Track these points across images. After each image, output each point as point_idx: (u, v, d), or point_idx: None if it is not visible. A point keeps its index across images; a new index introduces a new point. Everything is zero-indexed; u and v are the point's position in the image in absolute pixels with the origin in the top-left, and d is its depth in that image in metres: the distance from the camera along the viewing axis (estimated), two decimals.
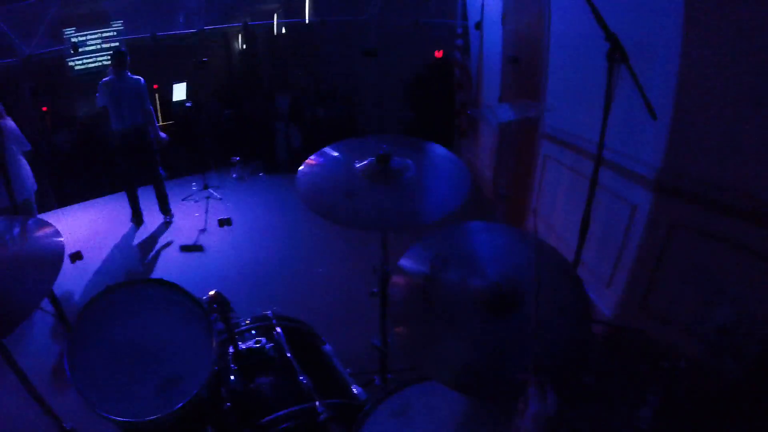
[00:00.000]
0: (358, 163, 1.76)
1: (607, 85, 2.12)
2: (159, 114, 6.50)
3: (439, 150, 1.92)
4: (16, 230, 1.65)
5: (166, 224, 5.40)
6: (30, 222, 1.71)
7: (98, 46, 6.51)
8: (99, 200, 6.29)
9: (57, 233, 1.65)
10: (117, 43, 6.55)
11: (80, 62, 6.47)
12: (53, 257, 1.54)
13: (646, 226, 2.65)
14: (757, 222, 2.14)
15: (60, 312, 2.65)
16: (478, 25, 5.64)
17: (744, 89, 2.14)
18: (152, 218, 5.48)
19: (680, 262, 2.54)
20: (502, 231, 1.55)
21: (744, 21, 2.09)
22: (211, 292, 1.65)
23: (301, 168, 1.79)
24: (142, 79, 4.98)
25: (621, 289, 2.87)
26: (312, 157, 1.85)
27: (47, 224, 1.71)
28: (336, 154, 1.86)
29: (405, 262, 1.37)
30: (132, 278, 1.58)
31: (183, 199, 5.86)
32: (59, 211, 5.61)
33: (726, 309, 2.27)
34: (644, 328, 2.72)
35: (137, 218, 5.46)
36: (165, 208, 5.48)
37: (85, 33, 6.38)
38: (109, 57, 6.52)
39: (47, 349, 3.10)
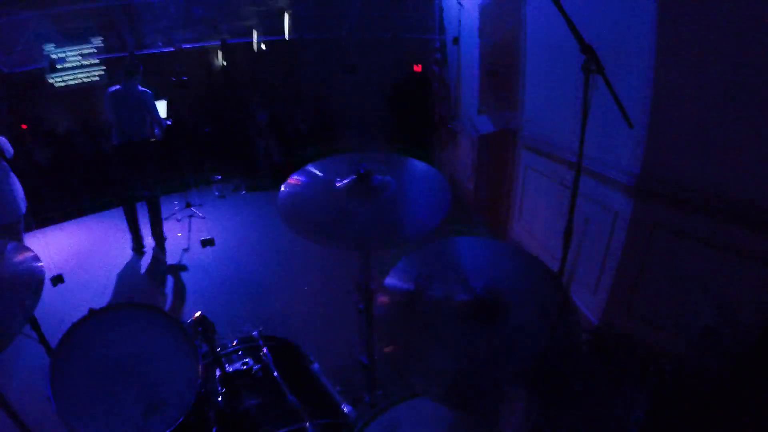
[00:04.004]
0: (339, 181, 1.76)
1: (583, 96, 2.15)
2: None
3: (419, 165, 1.93)
4: None
5: (159, 250, 5.08)
6: (8, 247, 1.69)
7: (78, 63, 6.43)
8: (80, 220, 6.16)
9: (36, 258, 1.63)
10: (97, 60, 6.49)
11: (60, 79, 6.38)
12: (33, 283, 1.53)
13: (627, 231, 2.69)
14: (735, 222, 2.19)
15: (42, 338, 2.57)
16: (456, 40, 5.72)
17: (716, 94, 2.20)
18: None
19: (663, 264, 2.58)
20: (486, 244, 1.56)
21: (715, 28, 2.15)
22: (196, 315, 1.62)
23: (282, 188, 1.78)
24: (149, 90, 4.74)
25: (606, 294, 2.90)
26: (293, 176, 1.84)
27: (26, 248, 1.68)
28: (318, 173, 1.85)
29: (391, 281, 1.37)
30: (115, 301, 1.55)
31: (165, 218, 5.75)
32: (38, 231, 5.47)
33: (709, 309, 2.30)
34: (630, 332, 2.75)
35: (138, 244, 5.02)
36: (158, 232, 5.06)
37: (65, 49, 6.30)
38: (87, 74, 6.44)
39: (31, 376, 3.01)
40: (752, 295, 2.18)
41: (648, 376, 2.33)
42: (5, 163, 3.75)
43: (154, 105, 4.83)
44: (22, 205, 3.84)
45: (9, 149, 3.81)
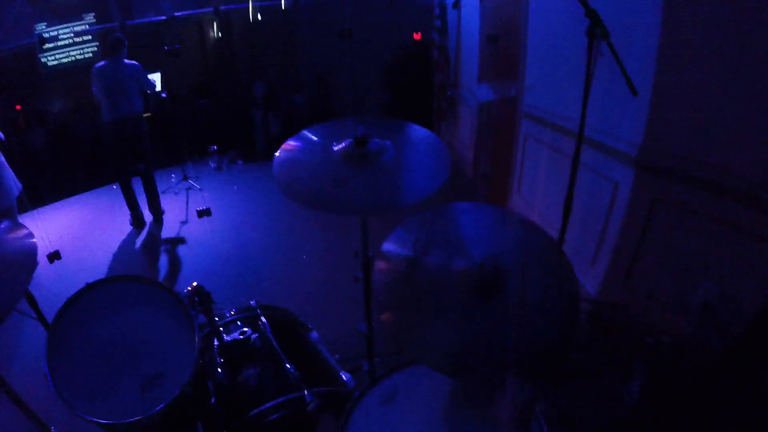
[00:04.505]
0: (336, 146, 1.72)
1: (587, 62, 2.09)
2: None
3: (418, 130, 1.89)
4: None
5: (156, 224, 5.09)
6: (1, 225, 1.67)
7: (70, 41, 6.30)
8: (76, 198, 6.11)
9: (30, 235, 1.61)
10: (89, 36, 6.36)
11: (52, 57, 6.26)
12: (26, 259, 1.51)
13: (628, 203, 2.67)
14: (736, 198, 2.16)
15: (39, 314, 2.58)
16: (456, 4, 5.58)
17: (722, 66, 2.14)
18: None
19: (663, 238, 2.56)
20: (486, 211, 1.53)
21: (722, 2, 2.08)
22: (192, 285, 1.61)
23: (277, 154, 1.74)
24: (137, 63, 4.65)
25: (605, 266, 2.89)
26: (290, 141, 1.80)
27: (20, 226, 1.67)
28: (314, 137, 1.82)
29: (388, 246, 1.35)
30: (112, 275, 1.55)
31: (163, 192, 5.73)
32: (35, 211, 5.41)
33: (708, 285, 2.29)
34: (628, 305, 2.75)
35: (137, 220, 5.00)
36: (155, 206, 5.07)
37: (57, 27, 6.17)
38: (80, 51, 6.32)
39: (30, 353, 3.03)
40: (752, 273, 2.16)
41: (645, 350, 2.34)
42: None
43: (145, 76, 4.75)
44: (14, 190, 3.82)
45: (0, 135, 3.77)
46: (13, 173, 3.84)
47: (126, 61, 4.58)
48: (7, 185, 3.73)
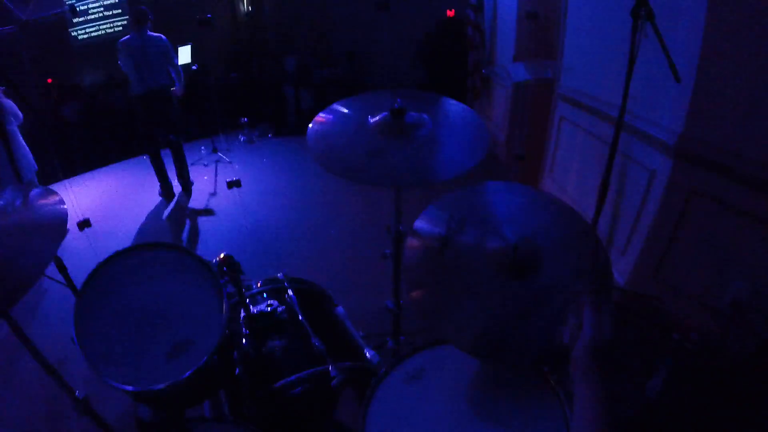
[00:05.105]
0: (372, 118, 1.69)
1: (631, 44, 2.01)
2: None
3: (455, 105, 1.84)
4: (19, 200, 1.61)
5: (185, 194, 5.16)
6: (34, 191, 1.68)
7: (100, 14, 6.36)
8: (106, 168, 6.25)
9: (61, 201, 1.62)
10: (119, 10, 6.41)
11: (83, 31, 6.34)
12: (56, 224, 1.49)
13: (663, 192, 2.57)
14: None
15: (69, 280, 2.65)
16: None
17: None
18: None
19: (697, 231, 2.47)
20: (520, 191, 1.49)
21: None
22: (221, 255, 1.62)
23: (310, 126, 1.72)
24: (164, 36, 4.64)
25: (636, 256, 2.82)
26: (322, 113, 1.79)
27: (51, 192, 1.67)
28: (346, 110, 1.79)
29: (421, 224, 1.33)
30: (141, 243, 1.57)
31: (192, 164, 5.80)
32: (66, 181, 5.54)
33: (741, 283, 2.21)
34: (658, 297, 2.68)
35: (167, 191, 5.10)
36: (184, 176, 5.14)
37: (86, 1, 6.24)
38: (110, 24, 6.38)
39: (59, 319, 3.13)
40: None
41: (670, 345, 2.28)
42: (15, 128, 3.85)
43: (172, 51, 4.75)
44: (30, 171, 3.97)
45: (18, 114, 3.90)
46: (30, 154, 4.00)
47: (150, 33, 4.57)
48: (26, 160, 3.89)
